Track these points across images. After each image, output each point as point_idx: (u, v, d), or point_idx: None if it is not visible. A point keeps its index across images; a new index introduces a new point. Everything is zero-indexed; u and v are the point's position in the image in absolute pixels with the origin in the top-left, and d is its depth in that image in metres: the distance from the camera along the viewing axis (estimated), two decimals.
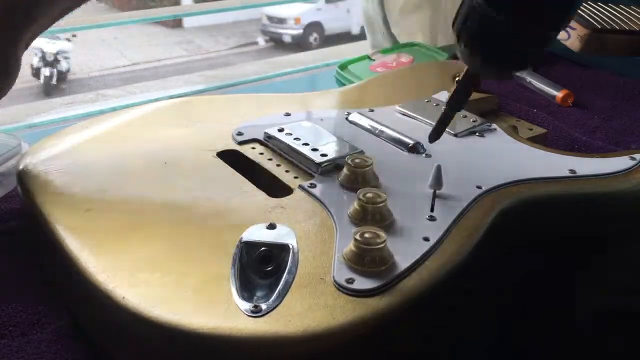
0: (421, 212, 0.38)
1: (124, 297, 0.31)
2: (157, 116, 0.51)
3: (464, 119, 0.50)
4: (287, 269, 0.33)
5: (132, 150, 0.45)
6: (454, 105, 0.39)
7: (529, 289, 0.41)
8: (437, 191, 0.39)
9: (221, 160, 0.44)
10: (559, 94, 0.69)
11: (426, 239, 0.35)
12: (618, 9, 0.60)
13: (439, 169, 0.38)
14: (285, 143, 0.45)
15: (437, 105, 0.53)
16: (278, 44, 7.53)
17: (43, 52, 5.91)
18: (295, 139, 0.45)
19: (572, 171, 0.43)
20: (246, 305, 0.30)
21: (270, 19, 7.48)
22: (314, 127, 0.48)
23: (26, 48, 0.40)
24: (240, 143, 0.46)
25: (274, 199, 0.39)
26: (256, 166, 0.44)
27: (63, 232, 0.36)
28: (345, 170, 0.41)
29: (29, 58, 6.00)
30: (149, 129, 0.49)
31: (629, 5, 0.61)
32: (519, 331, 0.38)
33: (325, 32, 7.53)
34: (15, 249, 0.44)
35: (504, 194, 0.40)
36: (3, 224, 0.46)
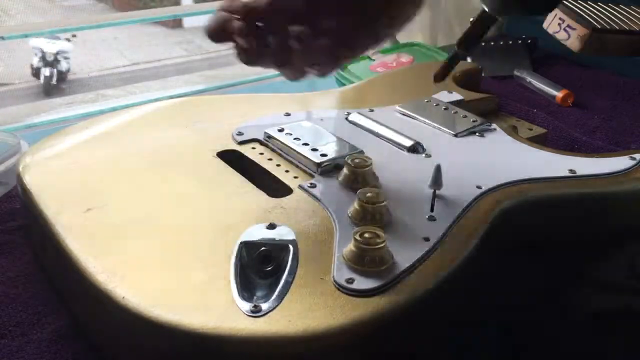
0: (421, 212, 0.38)
1: (123, 297, 0.31)
2: (157, 116, 0.51)
3: (464, 119, 0.50)
4: (287, 269, 0.33)
5: (132, 150, 0.45)
6: (464, 45, 0.38)
7: (529, 288, 0.41)
8: (437, 191, 0.38)
9: (221, 160, 0.44)
10: (559, 94, 0.69)
11: (426, 239, 0.35)
12: (618, 9, 0.60)
13: (438, 169, 0.38)
14: (285, 143, 0.45)
15: (437, 105, 0.53)
16: None
17: (43, 52, 5.91)
18: (295, 139, 0.45)
19: (572, 171, 0.43)
20: (246, 305, 0.30)
21: None
22: (314, 127, 0.48)
23: None
24: (241, 143, 0.46)
25: (274, 199, 0.39)
26: (256, 166, 0.44)
27: (63, 232, 0.36)
28: (345, 170, 0.41)
29: (29, 58, 6.00)
30: (149, 129, 0.49)
31: (629, 5, 0.61)
32: (519, 331, 0.38)
33: None
34: (15, 248, 0.44)
35: (504, 194, 0.40)
36: (3, 224, 0.46)
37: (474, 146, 0.47)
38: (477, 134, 0.49)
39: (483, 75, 0.65)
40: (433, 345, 0.36)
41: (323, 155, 0.43)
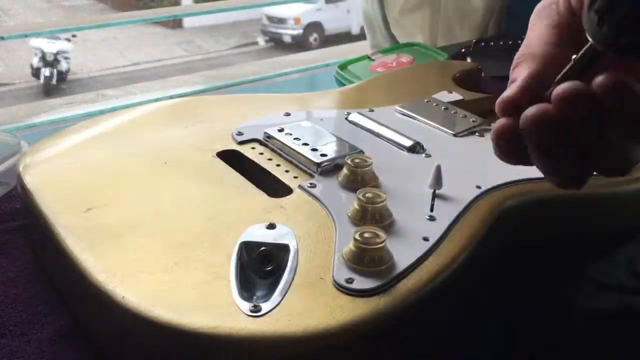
0: (421, 212, 0.38)
1: (123, 297, 0.31)
2: (157, 116, 0.51)
3: (463, 119, 0.50)
4: (286, 269, 0.33)
5: (132, 150, 0.45)
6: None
7: (529, 288, 0.41)
8: (437, 191, 0.39)
9: (221, 160, 0.44)
10: None
11: (426, 239, 0.35)
12: None
13: (438, 169, 0.38)
14: (285, 143, 0.45)
15: (436, 105, 0.53)
16: (278, 44, 7.53)
17: (43, 52, 5.92)
18: (295, 139, 0.45)
19: None
20: (246, 305, 0.30)
21: (270, 19, 7.49)
22: (314, 127, 0.48)
23: None
24: (240, 143, 0.46)
25: (273, 198, 0.39)
26: (256, 166, 0.44)
27: (63, 231, 0.36)
28: (345, 170, 0.41)
29: (29, 58, 6.00)
30: (149, 129, 0.49)
31: None
32: (519, 331, 0.38)
33: (325, 32, 7.53)
34: (16, 248, 0.44)
35: (504, 193, 0.40)
36: (3, 224, 0.46)
37: (474, 146, 0.47)
38: (477, 134, 0.49)
39: (483, 75, 0.65)
40: (433, 345, 0.36)
41: (323, 155, 0.43)
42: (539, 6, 0.32)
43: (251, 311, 0.30)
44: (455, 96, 0.56)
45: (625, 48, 0.25)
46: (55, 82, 5.97)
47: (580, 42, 0.27)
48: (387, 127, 0.49)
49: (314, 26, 7.52)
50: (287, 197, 0.40)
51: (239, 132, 0.47)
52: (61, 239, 0.36)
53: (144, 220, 0.37)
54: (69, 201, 0.39)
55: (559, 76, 0.27)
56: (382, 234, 0.33)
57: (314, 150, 0.44)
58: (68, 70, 6.17)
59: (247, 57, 7.02)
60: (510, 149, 0.29)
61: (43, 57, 5.92)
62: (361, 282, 0.32)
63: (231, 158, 0.45)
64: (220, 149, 0.45)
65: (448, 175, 0.39)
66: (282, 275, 0.32)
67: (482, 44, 0.81)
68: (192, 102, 0.56)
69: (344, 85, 0.70)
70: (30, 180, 0.42)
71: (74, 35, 6.27)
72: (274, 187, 0.41)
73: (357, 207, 0.37)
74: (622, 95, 0.25)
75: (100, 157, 0.44)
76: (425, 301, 0.32)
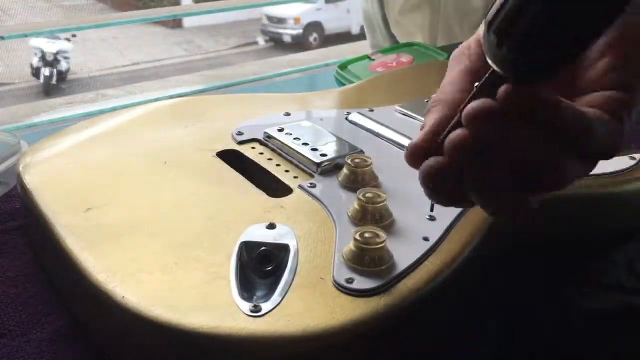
0: (421, 212, 0.38)
1: (123, 297, 0.31)
2: (157, 116, 0.51)
3: None
4: (287, 269, 0.33)
5: (132, 150, 0.45)
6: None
7: (529, 288, 0.41)
8: None
9: (221, 160, 0.44)
10: None
11: (426, 239, 0.35)
12: None
13: None
14: (285, 143, 0.45)
15: None
16: (278, 44, 7.53)
17: (43, 52, 5.92)
18: (295, 139, 0.45)
19: None
20: (246, 305, 0.30)
21: (270, 19, 7.49)
22: (314, 127, 0.48)
23: None
24: (240, 143, 0.46)
25: (274, 199, 0.39)
26: (256, 166, 0.44)
27: (63, 231, 0.36)
28: (345, 170, 0.41)
29: (29, 58, 6.01)
30: (149, 129, 0.49)
31: None
32: (519, 331, 0.38)
33: (325, 32, 7.53)
34: (16, 248, 0.44)
35: None
36: (3, 224, 0.46)
37: None
38: None
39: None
40: (433, 345, 0.36)
41: (323, 155, 0.43)
42: (455, 51, 0.32)
43: (251, 311, 0.30)
44: None
45: (525, 70, 0.24)
46: (55, 82, 5.97)
47: None
48: (387, 127, 0.49)
49: (314, 26, 7.52)
50: (288, 197, 0.40)
51: (239, 132, 0.47)
52: (61, 239, 0.36)
53: (144, 220, 0.37)
54: (69, 201, 0.39)
55: (462, 106, 0.26)
56: (382, 234, 0.33)
57: (314, 150, 0.44)
58: (68, 70, 6.18)
59: (247, 57, 7.02)
60: (444, 189, 0.28)
61: (43, 57, 5.92)
62: (361, 282, 0.32)
63: (231, 158, 0.45)
64: (220, 149, 0.45)
65: None
66: (282, 276, 0.32)
67: None
68: (192, 102, 0.56)
69: (344, 85, 0.70)
70: (30, 180, 0.42)
71: (74, 35, 6.27)
72: (274, 187, 0.41)
73: (357, 207, 0.37)
74: (524, 103, 0.24)
75: (100, 157, 0.44)
76: (425, 301, 0.32)
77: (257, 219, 0.37)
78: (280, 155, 0.45)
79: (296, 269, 0.33)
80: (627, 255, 0.44)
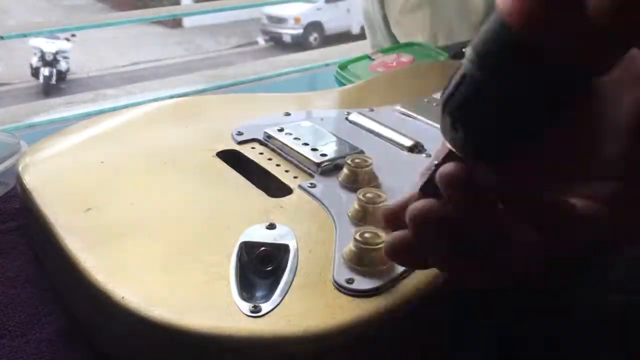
0: None
1: (123, 297, 0.31)
2: (157, 116, 0.51)
3: None
4: (286, 269, 0.33)
5: (132, 150, 0.45)
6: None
7: (529, 288, 0.40)
8: None
9: (221, 160, 0.44)
10: None
11: None
12: None
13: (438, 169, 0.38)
14: (285, 143, 0.45)
15: (436, 105, 0.53)
16: (278, 44, 7.53)
17: (42, 52, 5.92)
18: (295, 138, 0.45)
19: None
20: (246, 306, 0.30)
21: (270, 18, 7.49)
22: (314, 127, 0.48)
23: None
24: (240, 143, 0.46)
25: (273, 199, 0.39)
26: (256, 166, 0.44)
27: (62, 231, 0.36)
28: (345, 170, 0.41)
29: (29, 58, 6.01)
30: (149, 129, 0.49)
31: None
32: (519, 330, 0.38)
33: (325, 32, 7.53)
34: (15, 248, 0.44)
35: None
36: (3, 224, 0.46)
37: None
38: None
39: None
40: (433, 345, 0.36)
41: (323, 155, 0.43)
42: None
43: (251, 311, 0.30)
44: None
45: (477, 152, 0.24)
46: (54, 82, 5.97)
47: None
48: (387, 127, 0.49)
49: (314, 26, 7.52)
50: (287, 197, 0.40)
51: (238, 132, 0.47)
52: (60, 238, 0.36)
53: (143, 220, 0.37)
54: (69, 201, 0.39)
55: (421, 185, 0.26)
56: (382, 234, 0.33)
57: (314, 150, 0.44)
58: (67, 70, 6.18)
59: (247, 57, 7.02)
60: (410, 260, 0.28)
61: (42, 57, 5.93)
62: (361, 283, 0.32)
63: (231, 158, 0.45)
64: (220, 149, 0.45)
65: None
66: (282, 276, 0.32)
67: None
68: (192, 102, 0.56)
69: (344, 85, 0.70)
70: (30, 180, 0.42)
71: (73, 35, 6.27)
72: (274, 187, 0.41)
73: (357, 207, 0.37)
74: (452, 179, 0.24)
75: (99, 157, 0.44)
76: (425, 301, 0.32)
77: (256, 219, 0.37)
78: (280, 155, 0.45)
79: (296, 269, 0.33)
80: (628, 255, 0.44)
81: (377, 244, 0.33)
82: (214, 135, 0.47)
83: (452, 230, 0.25)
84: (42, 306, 0.39)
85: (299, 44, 7.22)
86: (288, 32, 7.48)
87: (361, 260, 0.33)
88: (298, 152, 0.44)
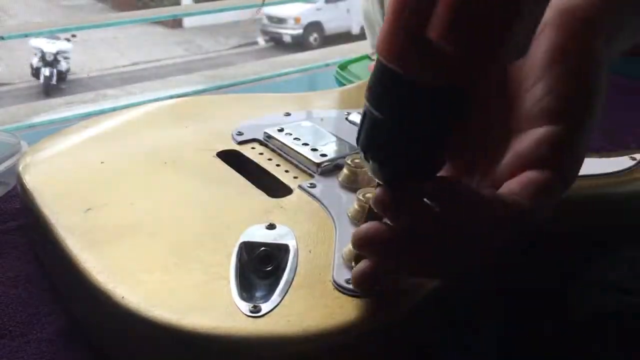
0: None
1: (123, 297, 0.31)
2: (157, 116, 0.51)
3: None
4: (286, 269, 0.33)
5: (132, 150, 0.45)
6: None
7: (528, 288, 0.41)
8: None
9: (221, 161, 0.44)
10: None
11: None
12: None
13: None
14: (285, 143, 0.45)
15: None
16: (278, 44, 7.53)
17: (43, 52, 5.92)
18: (295, 139, 0.45)
19: None
20: (246, 306, 0.30)
21: (270, 18, 7.49)
22: (314, 127, 0.48)
23: None
24: (240, 143, 0.46)
25: (273, 199, 0.39)
26: (256, 166, 0.44)
27: (62, 231, 0.36)
28: (345, 170, 0.41)
29: (29, 58, 6.01)
30: (149, 129, 0.49)
31: None
32: (519, 331, 0.38)
33: (325, 32, 7.53)
34: (16, 248, 0.44)
35: None
36: (3, 224, 0.46)
37: None
38: None
39: None
40: (433, 345, 0.36)
41: (323, 155, 0.43)
42: None
43: (251, 312, 0.30)
44: None
45: (388, 178, 0.27)
46: (55, 82, 5.97)
47: None
48: None
49: (314, 26, 7.52)
50: (287, 197, 0.40)
51: (239, 132, 0.47)
52: (61, 239, 0.36)
53: (143, 220, 0.37)
54: (69, 201, 0.39)
55: (365, 217, 0.30)
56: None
57: (314, 150, 0.44)
58: (68, 70, 6.18)
59: (247, 57, 7.02)
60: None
61: (43, 57, 5.93)
62: None
63: (231, 158, 0.45)
64: (220, 149, 0.45)
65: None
66: (281, 276, 0.32)
67: None
68: (192, 102, 0.56)
69: (344, 85, 0.70)
70: (30, 180, 0.42)
71: (73, 35, 6.28)
72: (274, 187, 0.41)
73: (357, 207, 0.37)
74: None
75: (100, 157, 0.44)
76: (425, 301, 0.32)
77: (256, 219, 0.37)
78: (280, 155, 0.45)
79: (296, 269, 0.33)
80: (628, 255, 0.44)
81: None
82: (214, 136, 0.47)
83: (398, 242, 0.27)
84: (43, 306, 0.39)
85: (299, 44, 7.22)
86: (288, 32, 7.48)
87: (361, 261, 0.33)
88: (298, 152, 0.44)
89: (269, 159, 0.45)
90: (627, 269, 0.43)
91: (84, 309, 0.36)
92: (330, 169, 0.42)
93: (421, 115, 0.24)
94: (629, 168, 0.44)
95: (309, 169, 0.43)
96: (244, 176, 0.42)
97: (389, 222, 0.27)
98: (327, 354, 0.30)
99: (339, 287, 0.32)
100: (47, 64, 5.93)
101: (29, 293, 0.40)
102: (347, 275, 0.32)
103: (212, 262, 0.33)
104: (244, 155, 0.45)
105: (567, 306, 0.40)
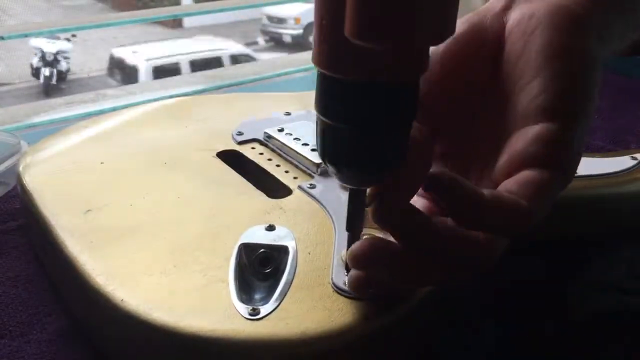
0: None
1: (122, 300, 0.31)
2: (157, 116, 0.51)
3: None
4: (285, 271, 0.33)
5: (132, 150, 0.45)
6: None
7: (529, 288, 0.41)
8: None
9: (221, 161, 0.44)
10: None
11: None
12: None
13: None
14: (285, 143, 0.45)
15: None
16: (278, 44, 7.53)
17: (43, 52, 5.92)
18: (295, 139, 0.45)
19: None
20: (244, 308, 0.30)
21: (270, 19, 7.49)
22: (314, 127, 0.48)
23: None
24: (240, 143, 0.46)
25: (273, 199, 0.39)
26: (256, 166, 0.44)
27: (62, 233, 0.36)
28: None
29: (29, 58, 6.01)
30: (149, 129, 0.49)
31: None
32: (518, 331, 0.38)
33: None
34: (16, 248, 0.44)
35: None
36: (3, 224, 0.46)
37: None
38: None
39: None
40: (432, 346, 0.36)
41: None
42: None
43: (250, 314, 0.30)
44: None
45: (341, 179, 0.28)
46: (55, 82, 5.97)
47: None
48: None
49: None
50: (287, 197, 0.40)
51: (239, 132, 0.47)
52: (60, 240, 0.36)
53: (143, 221, 0.37)
54: (69, 202, 0.39)
55: (348, 227, 0.30)
56: (381, 236, 0.33)
57: (314, 150, 0.44)
58: (68, 70, 6.18)
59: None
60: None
61: (43, 57, 5.92)
62: None
63: (231, 158, 0.45)
64: (220, 149, 0.45)
65: None
66: (280, 278, 0.32)
67: None
68: (192, 102, 0.56)
69: None
70: (30, 181, 0.42)
71: (73, 35, 6.27)
72: (274, 188, 0.41)
73: None
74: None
75: (100, 157, 0.44)
76: (425, 303, 0.32)
77: (256, 220, 0.37)
78: (280, 155, 0.45)
79: (295, 271, 0.33)
80: (627, 255, 0.44)
81: None
82: (214, 135, 0.47)
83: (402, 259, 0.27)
84: (43, 306, 0.39)
85: (299, 44, 7.21)
86: (288, 32, 7.47)
87: None
88: (298, 153, 0.44)
89: (269, 159, 0.45)
90: (626, 269, 0.43)
91: (84, 310, 0.36)
92: None
93: (369, 115, 0.25)
94: (630, 168, 0.44)
95: (308, 169, 0.43)
96: (243, 176, 0.42)
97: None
98: (326, 357, 0.30)
99: (337, 290, 0.31)
100: (47, 64, 5.93)
101: (29, 293, 0.40)
102: (346, 277, 0.32)
103: (211, 264, 0.33)
104: (244, 156, 0.45)
105: (567, 306, 0.40)
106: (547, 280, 0.41)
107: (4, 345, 0.35)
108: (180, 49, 6.06)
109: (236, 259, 0.33)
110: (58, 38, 5.99)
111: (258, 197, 0.40)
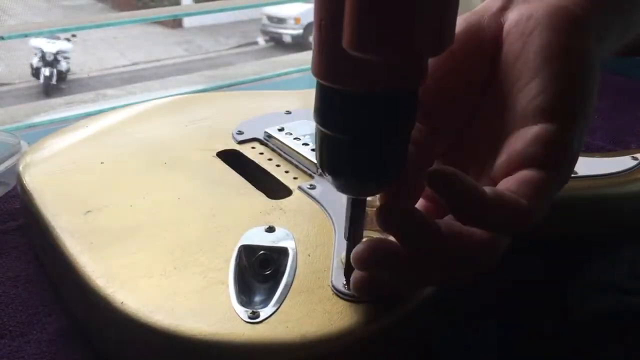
0: None
1: (122, 302, 0.31)
2: (157, 115, 0.51)
3: None
4: (285, 273, 0.32)
5: (132, 150, 0.45)
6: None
7: (529, 288, 0.40)
8: None
9: (221, 161, 0.44)
10: None
11: None
12: None
13: None
14: (285, 143, 0.45)
15: None
16: (278, 44, 7.53)
17: (43, 52, 5.92)
18: (295, 138, 0.45)
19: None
20: (244, 311, 0.30)
21: (270, 19, 7.49)
22: (315, 126, 0.48)
23: None
24: (240, 142, 0.46)
25: (273, 200, 0.39)
26: (256, 166, 0.44)
27: (62, 234, 0.36)
28: None
29: (29, 58, 6.01)
30: (149, 128, 0.49)
31: None
32: (519, 331, 0.38)
33: None
34: (16, 248, 0.44)
35: None
36: (3, 224, 0.46)
37: None
38: None
39: None
40: (433, 348, 0.35)
41: None
42: None
43: (249, 317, 0.30)
44: None
45: (341, 189, 0.28)
46: (55, 82, 5.97)
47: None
48: None
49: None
50: (287, 198, 0.40)
51: (239, 131, 0.47)
52: (60, 241, 0.36)
53: (143, 222, 0.37)
54: (69, 203, 0.39)
55: (346, 235, 0.30)
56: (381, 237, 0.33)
57: (314, 150, 0.44)
58: (68, 70, 6.17)
59: (247, 57, 7.02)
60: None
61: (43, 57, 5.92)
62: None
63: (231, 158, 0.44)
64: (220, 149, 0.45)
65: None
66: (280, 280, 0.32)
67: None
68: (192, 100, 0.56)
69: None
70: (30, 181, 0.41)
71: (74, 35, 6.27)
72: (274, 188, 0.41)
73: None
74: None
75: (99, 157, 0.44)
76: (424, 305, 0.32)
77: (256, 221, 0.37)
78: (280, 155, 0.45)
79: (294, 273, 0.33)
80: (628, 255, 0.44)
81: None
82: (214, 135, 0.47)
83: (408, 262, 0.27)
84: (43, 306, 0.39)
85: (299, 44, 7.21)
86: (288, 32, 7.47)
87: None
88: (298, 153, 0.44)
89: (269, 159, 0.45)
90: (626, 269, 0.43)
91: (84, 312, 0.36)
92: None
93: (368, 125, 0.25)
94: (631, 168, 0.44)
95: (308, 169, 0.43)
96: (243, 177, 0.42)
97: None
98: None
99: (337, 292, 0.31)
100: (47, 64, 5.93)
101: (29, 293, 0.40)
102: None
103: (211, 266, 0.33)
104: (244, 155, 0.45)
105: (567, 306, 0.40)
106: (547, 280, 0.41)
107: (4, 345, 0.35)
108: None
109: (236, 260, 0.33)
110: (58, 38, 5.99)
111: (258, 197, 0.40)
